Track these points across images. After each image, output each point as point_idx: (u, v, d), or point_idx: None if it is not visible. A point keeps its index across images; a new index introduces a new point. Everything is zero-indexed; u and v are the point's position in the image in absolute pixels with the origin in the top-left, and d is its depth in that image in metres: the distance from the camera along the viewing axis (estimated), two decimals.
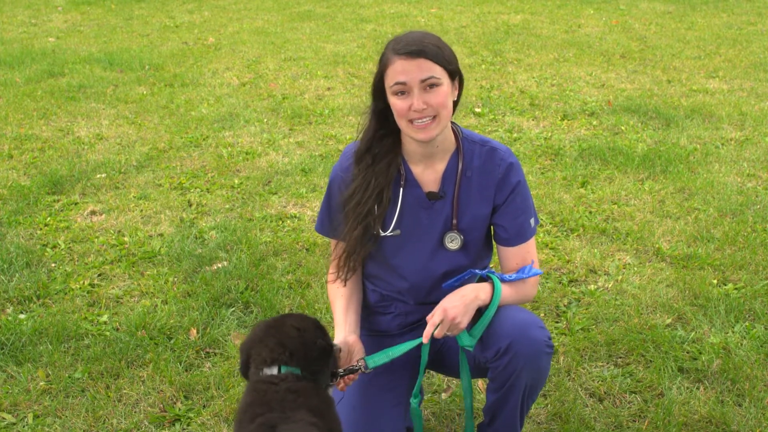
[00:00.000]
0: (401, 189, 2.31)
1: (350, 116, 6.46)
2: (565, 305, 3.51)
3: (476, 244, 2.35)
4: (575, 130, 6.05)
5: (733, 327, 3.29)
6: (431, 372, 2.96)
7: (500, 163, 2.30)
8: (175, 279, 3.79)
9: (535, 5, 12.37)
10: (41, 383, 2.98)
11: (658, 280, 3.70)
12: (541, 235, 4.20)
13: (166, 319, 3.40)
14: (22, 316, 3.43)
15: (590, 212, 4.48)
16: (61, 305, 3.54)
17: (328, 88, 7.45)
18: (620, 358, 3.13)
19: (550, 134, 5.91)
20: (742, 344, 3.16)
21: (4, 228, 4.37)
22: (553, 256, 3.97)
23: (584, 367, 3.05)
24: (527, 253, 2.34)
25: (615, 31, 10.12)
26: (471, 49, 9.08)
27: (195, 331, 3.30)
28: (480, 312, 2.19)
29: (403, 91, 2.13)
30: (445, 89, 2.15)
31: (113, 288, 3.73)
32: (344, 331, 2.30)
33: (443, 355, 2.43)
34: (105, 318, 3.44)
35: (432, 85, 2.12)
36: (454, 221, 2.31)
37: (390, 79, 2.15)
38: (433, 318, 2.11)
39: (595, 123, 6.21)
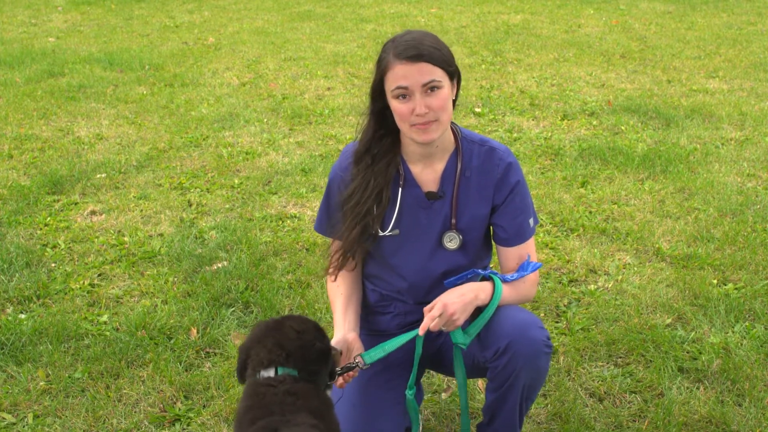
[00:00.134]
0: (400, 189, 2.31)
1: (350, 116, 6.46)
2: (565, 305, 3.51)
3: (475, 244, 2.35)
4: (575, 130, 6.05)
5: (733, 327, 3.29)
6: (431, 372, 2.97)
7: (499, 162, 2.30)
8: (175, 279, 3.79)
9: (535, 5, 12.37)
10: (41, 383, 2.98)
11: (658, 280, 3.70)
12: (541, 235, 4.20)
13: (166, 319, 3.40)
14: (22, 316, 3.43)
15: (590, 212, 4.48)
16: (61, 305, 3.54)
17: (328, 88, 7.45)
18: (620, 358, 3.13)
19: (550, 134, 5.91)
20: (742, 344, 3.16)
21: (4, 228, 4.37)
22: (553, 256, 3.97)
23: (584, 367, 3.05)
24: (526, 253, 2.34)
25: (615, 31, 10.12)
26: (471, 49, 9.08)
27: (195, 331, 3.30)
28: (478, 311, 2.19)
29: (405, 94, 2.13)
30: (446, 91, 2.15)
31: (113, 288, 3.73)
32: (343, 329, 2.30)
33: (442, 354, 2.43)
34: (105, 318, 3.44)
35: (433, 88, 2.12)
36: (453, 221, 2.31)
37: (391, 83, 2.14)
38: (432, 311, 2.11)
39: (595, 123, 6.21)
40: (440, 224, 2.32)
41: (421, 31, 2.19)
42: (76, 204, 4.72)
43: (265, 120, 6.42)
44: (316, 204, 4.60)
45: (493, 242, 2.43)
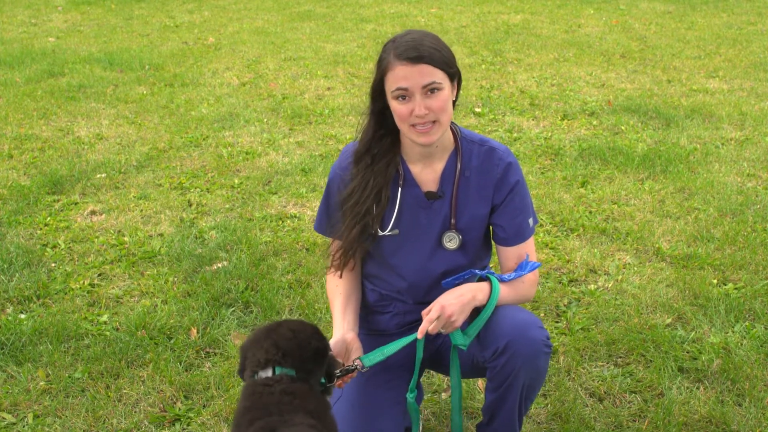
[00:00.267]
0: (400, 189, 2.31)
1: (350, 116, 6.46)
2: (565, 305, 3.51)
3: (475, 244, 2.35)
4: (575, 130, 6.05)
5: (733, 327, 3.29)
6: (431, 372, 2.97)
7: (499, 162, 2.30)
8: (175, 279, 3.79)
9: (535, 5, 12.37)
10: (41, 383, 2.98)
11: (658, 280, 3.70)
12: (541, 235, 4.20)
13: (166, 319, 3.40)
14: (22, 316, 3.43)
15: (590, 212, 4.48)
16: (61, 305, 3.54)
17: (328, 88, 7.45)
18: (620, 358, 3.13)
19: (550, 134, 5.91)
20: (742, 344, 3.16)
21: (4, 228, 4.37)
22: (553, 256, 3.97)
23: (584, 367, 3.05)
24: (526, 253, 2.34)
25: (615, 31, 10.12)
26: (471, 49, 9.08)
27: (195, 331, 3.30)
28: (477, 312, 2.19)
29: (405, 96, 2.13)
30: (446, 93, 2.15)
31: (113, 288, 3.73)
32: (342, 328, 2.30)
33: (442, 354, 2.43)
34: (105, 318, 3.44)
35: (433, 90, 2.12)
36: (453, 221, 2.31)
37: (391, 84, 2.14)
38: (430, 314, 2.11)
39: (595, 123, 6.21)
40: (440, 224, 2.32)
41: (422, 31, 2.19)
42: (76, 204, 4.72)
43: (265, 120, 6.42)
44: (316, 204, 4.60)
45: (492, 242, 2.43)
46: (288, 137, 5.98)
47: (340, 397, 2.34)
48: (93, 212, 4.61)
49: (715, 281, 3.67)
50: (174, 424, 2.77)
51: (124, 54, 8.93)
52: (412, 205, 2.32)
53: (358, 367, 2.18)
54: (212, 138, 5.95)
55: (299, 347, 1.97)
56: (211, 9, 12.60)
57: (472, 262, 2.35)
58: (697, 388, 2.90)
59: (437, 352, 2.44)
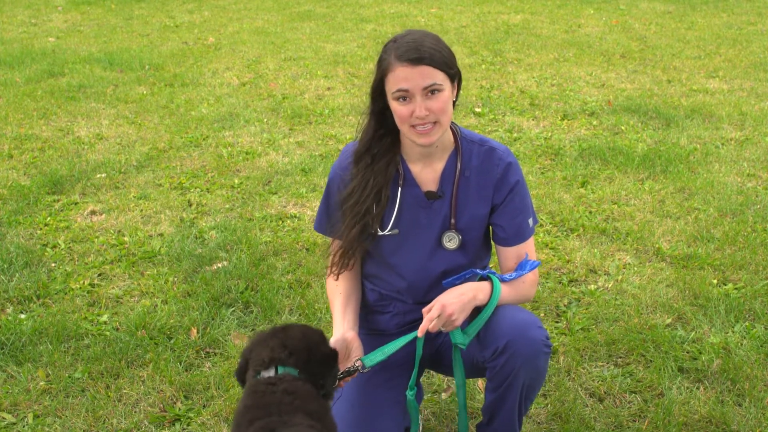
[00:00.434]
0: (399, 188, 2.31)
1: (350, 116, 6.46)
2: (565, 305, 3.51)
3: (475, 244, 2.36)
4: (575, 130, 6.05)
5: (733, 327, 3.29)
6: (431, 372, 2.97)
7: (499, 162, 2.30)
8: (175, 279, 3.79)
9: (535, 5, 12.37)
10: (41, 383, 2.98)
11: (658, 280, 3.70)
12: (541, 235, 4.20)
13: (166, 319, 3.40)
14: (22, 316, 3.43)
15: (590, 212, 4.48)
16: (61, 305, 3.54)
17: (328, 88, 7.45)
18: (620, 358, 3.13)
19: (550, 134, 5.91)
20: (742, 344, 3.16)
21: (4, 228, 4.37)
22: (553, 256, 3.97)
23: (584, 367, 3.05)
24: (526, 253, 2.34)
25: (615, 31, 10.12)
26: (471, 49, 9.08)
27: (195, 331, 3.30)
28: (477, 311, 2.19)
29: (405, 97, 2.13)
30: (447, 94, 2.15)
31: (113, 288, 3.73)
32: (342, 327, 2.30)
33: (442, 354, 2.43)
34: (105, 318, 3.44)
35: (434, 91, 2.12)
36: (453, 221, 2.31)
37: (391, 85, 2.14)
38: (431, 312, 2.11)
39: (595, 123, 6.21)
40: (440, 224, 2.32)
41: (422, 31, 2.18)
42: (76, 204, 4.72)
43: (265, 120, 6.42)
44: (316, 204, 4.60)
45: (492, 242, 2.43)
46: (288, 137, 5.98)
47: (339, 397, 2.34)
48: (93, 212, 4.61)
49: (715, 281, 3.67)
50: (174, 424, 2.77)
51: (124, 54, 8.93)
52: (412, 204, 2.32)
53: (358, 368, 2.18)
54: (212, 138, 5.95)
55: (308, 349, 1.97)
56: (211, 9, 12.60)
57: (471, 262, 2.35)
58: (697, 388, 2.90)
59: (437, 351, 2.44)
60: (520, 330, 2.14)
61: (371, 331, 2.50)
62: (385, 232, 2.32)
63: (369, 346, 2.28)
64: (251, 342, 2.05)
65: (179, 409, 2.83)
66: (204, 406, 2.86)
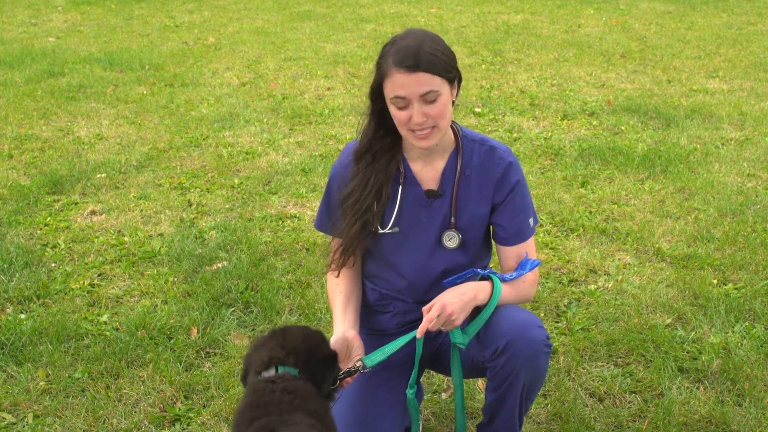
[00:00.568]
0: (400, 187, 2.31)
1: (350, 116, 6.46)
2: (565, 305, 3.51)
3: (475, 243, 2.36)
4: (575, 130, 6.05)
5: (733, 327, 3.29)
6: (431, 372, 2.97)
7: (499, 162, 2.30)
8: (175, 279, 3.79)
9: (535, 5, 12.37)
10: (41, 383, 2.98)
11: (658, 280, 3.70)
12: (541, 235, 4.20)
13: (166, 319, 3.40)
14: (22, 316, 3.43)
15: (590, 212, 4.48)
16: (61, 305, 3.54)
17: (328, 88, 7.45)
18: (620, 358, 3.13)
19: (550, 134, 5.91)
20: (742, 344, 3.16)
21: (4, 228, 4.37)
22: (553, 256, 3.97)
23: (584, 367, 3.05)
24: (526, 252, 2.34)
25: (615, 31, 10.12)
26: (471, 49, 9.08)
27: (195, 331, 3.30)
28: (477, 311, 2.19)
29: (403, 103, 2.13)
30: (445, 99, 2.14)
31: (113, 288, 3.73)
32: (343, 326, 2.30)
33: (441, 354, 2.43)
34: (105, 318, 3.44)
35: (431, 98, 2.11)
36: (453, 220, 2.31)
37: (389, 91, 2.14)
38: (431, 313, 2.11)
39: (595, 123, 6.21)
40: (440, 223, 2.32)
41: (422, 33, 2.16)
42: (76, 204, 4.72)
43: (265, 120, 6.42)
44: (316, 204, 4.60)
45: (492, 242, 2.44)
46: (288, 137, 5.98)
47: (339, 397, 2.34)
48: (93, 212, 4.61)
49: (715, 281, 3.67)
50: (174, 424, 2.77)
51: (124, 54, 8.93)
52: (412, 203, 2.32)
53: (359, 368, 2.18)
54: (212, 138, 5.95)
55: (308, 350, 1.97)
56: (211, 9, 12.60)
57: (472, 262, 2.35)
58: (697, 388, 2.90)
59: (437, 351, 2.44)
60: (520, 330, 2.14)
61: (372, 331, 2.50)
62: (386, 231, 2.32)
63: (370, 346, 2.28)
64: (251, 346, 2.05)
65: (179, 409, 2.83)
66: (204, 406, 2.86)
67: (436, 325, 2.11)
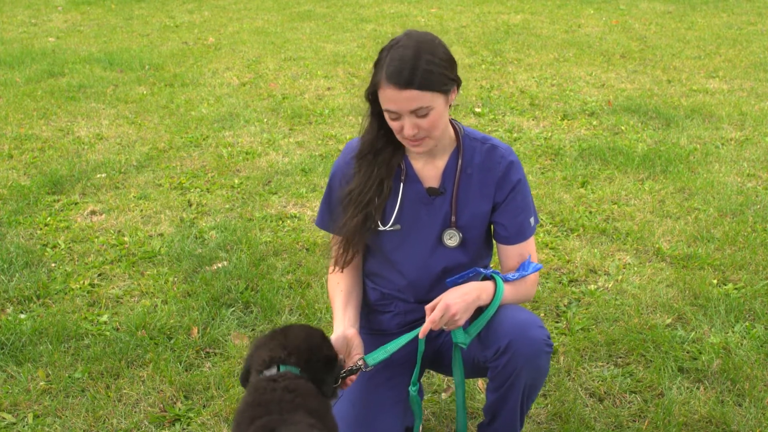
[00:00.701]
0: (401, 184, 2.31)
1: (350, 116, 6.46)
2: (565, 305, 3.51)
3: (475, 242, 2.36)
4: (575, 130, 6.05)
5: (733, 327, 3.29)
6: (431, 372, 2.97)
7: (501, 161, 2.30)
8: (175, 279, 3.79)
9: (535, 5, 12.37)
10: (41, 383, 2.98)
11: (658, 280, 3.70)
12: (541, 235, 4.20)
13: (166, 319, 3.40)
14: (22, 316, 3.43)
15: (590, 212, 4.48)
16: (61, 305, 3.54)
17: (328, 88, 7.45)
18: (620, 358, 3.13)
19: (550, 134, 5.91)
20: (742, 344, 3.16)
21: (4, 228, 4.37)
22: (553, 256, 3.97)
23: (584, 367, 3.05)
24: (527, 251, 2.34)
25: (615, 31, 10.12)
26: (471, 49, 9.08)
27: (196, 331, 3.30)
28: (479, 310, 2.19)
29: (395, 116, 2.13)
30: (438, 111, 2.12)
31: (113, 288, 3.73)
32: (343, 324, 2.30)
33: (442, 354, 2.43)
34: (105, 318, 3.44)
35: (422, 113, 2.11)
36: (453, 218, 2.31)
37: (381, 101, 2.14)
38: (434, 313, 2.10)
39: (595, 123, 6.21)
40: (440, 221, 2.32)
41: (421, 39, 2.12)
42: (76, 204, 4.72)
43: (265, 120, 6.42)
44: (316, 204, 4.60)
45: (493, 241, 2.44)
46: (288, 137, 5.98)
47: (340, 396, 2.34)
48: (93, 212, 4.61)
49: (715, 281, 3.67)
50: (174, 424, 2.77)
51: (124, 54, 8.93)
52: (413, 200, 2.32)
53: (361, 367, 2.18)
54: (212, 138, 5.95)
55: (308, 350, 1.97)
56: (211, 9, 12.60)
57: (473, 261, 2.35)
58: (697, 388, 2.90)
59: (437, 351, 2.44)
60: (521, 330, 2.14)
61: (373, 331, 2.50)
62: (387, 228, 2.32)
63: (370, 346, 2.27)
64: (252, 346, 2.05)
65: (179, 409, 2.83)
66: (204, 406, 2.86)
67: (438, 325, 2.11)
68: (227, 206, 4.67)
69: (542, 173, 5.12)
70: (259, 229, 4.33)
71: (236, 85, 7.64)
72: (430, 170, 2.32)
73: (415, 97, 2.07)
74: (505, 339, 2.14)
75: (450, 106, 2.21)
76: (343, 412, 2.27)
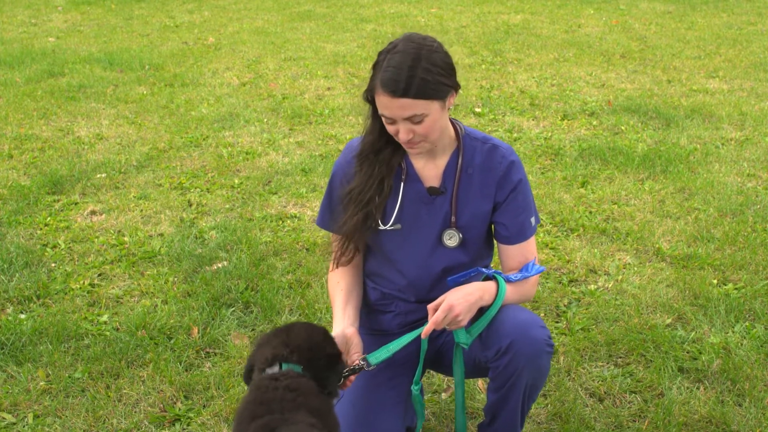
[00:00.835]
0: (402, 183, 2.31)
1: (350, 116, 6.46)
2: (565, 305, 3.51)
3: (476, 242, 2.35)
4: (575, 130, 6.05)
5: (733, 327, 3.29)
6: (431, 372, 2.96)
7: (501, 160, 2.30)
8: (175, 279, 3.79)
9: (535, 5, 12.37)
10: (41, 383, 2.98)
11: (658, 280, 3.70)
12: (541, 235, 4.20)
13: (166, 319, 3.40)
14: (22, 316, 3.43)
15: (590, 212, 4.48)
16: (61, 305, 3.54)
17: (328, 88, 7.45)
18: (620, 358, 3.13)
19: (550, 134, 5.91)
20: (742, 344, 3.16)
21: (4, 228, 4.37)
22: (553, 256, 3.97)
23: (584, 367, 3.05)
24: (528, 251, 2.34)
25: (615, 31, 10.12)
26: (471, 49, 9.08)
27: (196, 331, 3.30)
28: (480, 310, 2.19)
29: (390, 121, 2.14)
30: (433, 117, 2.12)
31: (113, 288, 3.73)
32: (343, 323, 2.30)
33: (442, 354, 2.43)
34: (105, 318, 3.44)
35: (417, 120, 2.10)
36: (453, 218, 2.31)
37: (377, 106, 2.15)
38: (437, 314, 2.10)
39: (595, 123, 6.21)
40: (440, 221, 2.32)
41: (419, 44, 2.11)
42: (76, 204, 4.72)
43: (265, 120, 6.42)
44: (316, 204, 4.60)
45: (494, 241, 2.44)
46: (288, 137, 5.98)
47: (341, 395, 2.34)
48: (93, 212, 4.61)
49: (715, 281, 3.67)
50: (174, 424, 2.77)
51: (124, 54, 8.93)
52: (414, 200, 2.32)
53: (363, 365, 2.18)
54: (212, 138, 5.95)
55: (311, 348, 1.98)
56: (211, 9, 12.60)
57: (473, 260, 2.35)
58: (697, 388, 2.90)
59: (438, 351, 2.44)
60: (522, 330, 2.14)
61: (373, 331, 2.49)
62: (387, 227, 2.32)
63: (371, 346, 2.27)
64: (255, 344, 2.05)
65: (179, 409, 2.83)
66: (204, 406, 2.86)
67: (441, 325, 2.11)
68: (227, 206, 4.67)
69: (542, 173, 5.12)
70: (259, 229, 4.33)
71: (236, 85, 7.64)
72: (430, 170, 2.32)
73: (409, 105, 2.07)
74: (507, 339, 2.14)
75: (449, 108, 2.21)
76: (344, 412, 2.27)
